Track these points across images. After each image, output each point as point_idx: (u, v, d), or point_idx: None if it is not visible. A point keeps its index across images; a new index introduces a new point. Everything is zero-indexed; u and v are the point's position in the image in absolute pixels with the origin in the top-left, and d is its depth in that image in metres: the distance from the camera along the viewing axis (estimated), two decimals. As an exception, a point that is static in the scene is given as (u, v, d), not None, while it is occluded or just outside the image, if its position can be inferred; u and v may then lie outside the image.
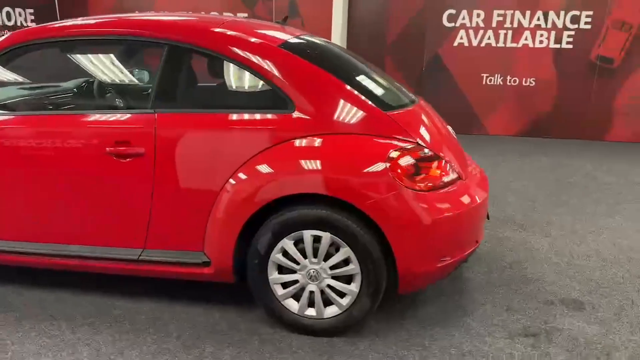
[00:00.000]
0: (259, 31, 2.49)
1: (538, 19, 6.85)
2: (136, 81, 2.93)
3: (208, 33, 2.37)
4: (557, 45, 6.83)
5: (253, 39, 2.38)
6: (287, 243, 2.24)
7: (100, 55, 2.70)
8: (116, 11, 7.95)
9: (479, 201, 2.34)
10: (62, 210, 2.45)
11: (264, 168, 2.20)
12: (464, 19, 7.03)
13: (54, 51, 2.59)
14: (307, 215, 2.17)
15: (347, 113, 2.25)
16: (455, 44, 7.06)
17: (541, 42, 6.86)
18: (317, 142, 2.21)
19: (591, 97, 6.83)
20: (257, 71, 2.28)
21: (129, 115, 2.36)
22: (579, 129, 6.97)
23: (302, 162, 2.19)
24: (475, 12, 6.96)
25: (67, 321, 2.46)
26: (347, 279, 2.28)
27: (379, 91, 2.46)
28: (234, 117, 2.29)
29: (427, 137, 2.33)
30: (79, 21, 2.54)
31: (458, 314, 2.53)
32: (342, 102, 2.27)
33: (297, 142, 2.22)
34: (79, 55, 2.71)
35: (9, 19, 7.23)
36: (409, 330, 2.41)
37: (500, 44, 6.94)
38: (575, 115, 6.94)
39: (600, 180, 4.91)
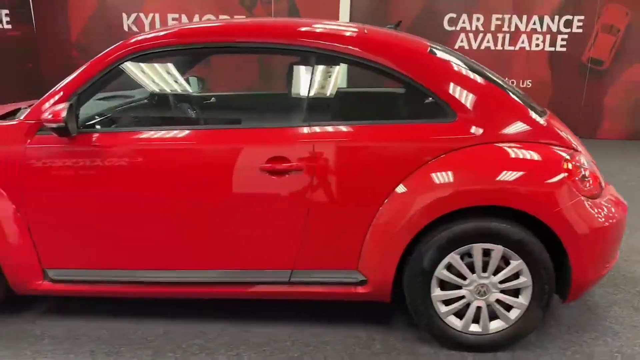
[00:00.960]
0: (401, 38, 2.38)
1: (534, 23, 7.11)
2: (282, 93, 2.72)
3: (363, 40, 2.24)
4: (552, 48, 7.12)
5: (407, 46, 2.27)
6: (455, 257, 2.15)
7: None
8: (101, 11, 7.46)
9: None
10: (202, 234, 2.23)
11: (431, 180, 2.11)
12: (464, 22, 7.18)
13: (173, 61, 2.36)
14: (481, 228, 2.10)
15: (509, 120, 2.21)
16: (456, 46, 7.20)
17: (537, 45, 7.13)
18: (486, 151, 2.14)
19: (583, 96, 7.17)
20: (415, 80, 2.18)
21: (282, 130, 2.18)
22: (571, 127, 7.28)
23: (475, 173, 2.11)
24: (475, 16, 7.12)
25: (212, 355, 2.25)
26: (514, 292, 2.22)
27: (521, 96, 2.43)
28: (394, 128, 2.18)
29: (574, 142, 2.33)
30: (199, 26, 2.32)
31: (598, 319, 2.54)
32: (502, 109, 2.22)
33: (464, 152, 2.14)
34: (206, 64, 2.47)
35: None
36: (565, 339, 2.39)
37: (499, 47, 7.14)
38: (569, 114, 7.27)
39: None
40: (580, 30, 7.09)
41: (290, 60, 2.39)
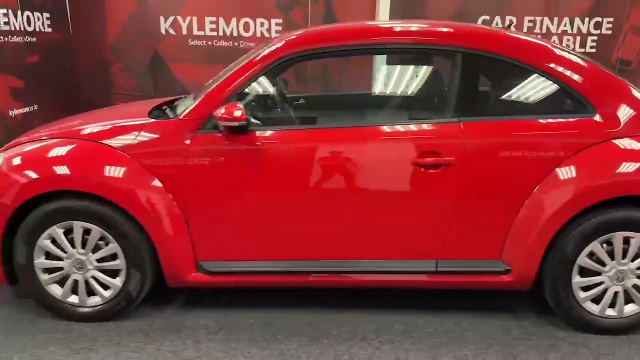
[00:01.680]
0: (528, 37, 2.52)
1: (565, 25, 7.30)
2: (427, 90, 2.84)
3: (504, 39, 2.37)
4: (582, 49, 7.31)
5: (540, 46, 2.40)
6: (597, 246, 2.28)
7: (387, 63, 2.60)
8: (138, 14, 7.51)
9: None
10: (356, 225, 2.34)
11: (578, 173, 2.24)
12: (497, 24, 7.33)
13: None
14: (625, 217, 2.23)
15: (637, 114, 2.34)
16: (490, 48, 7.33)
17: (567, 46, 7.32)
18: (625, 144, 2.27)
19: (612, 96, 7.36)
20: (554, 76, 2.31)
21: (434, 126, 2.31)
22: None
23: (620, 165, 2.24)
24: (507, 18, 7.28)
25: (362, 340, 2.35)
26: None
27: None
28: (538, 122, 2.31)
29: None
30: (363, 27, 2.43)
31: None
32: (633, 103, 2.35)
33: (605, 146, 2.27)
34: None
35: (29, 24, 6.63)
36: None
37: (531, 48, 7.29)
38: (598, 113, 7.46)
39: None
40: (610, 32, 7.29)
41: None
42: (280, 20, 7.56)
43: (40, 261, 2.39)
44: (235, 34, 7.63)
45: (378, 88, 2.93)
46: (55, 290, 2.44)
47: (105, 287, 2.43)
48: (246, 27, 7.60)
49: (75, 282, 2.40)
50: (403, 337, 2.41)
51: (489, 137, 2.31)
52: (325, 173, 2.30)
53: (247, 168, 2.28)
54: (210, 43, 7.66)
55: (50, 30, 7.10)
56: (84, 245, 2.36)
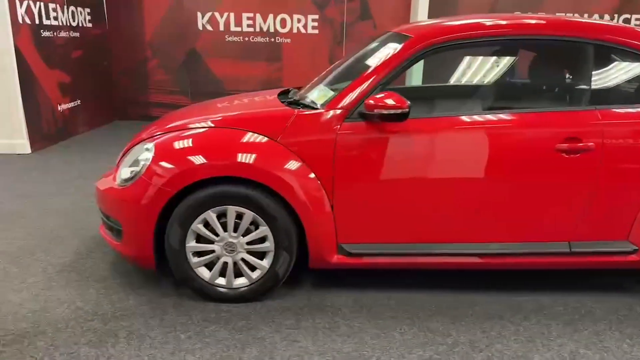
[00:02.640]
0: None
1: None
2: (558, 80, 2.96)
3: (636, 34, 2.51)
4: (611, 45, 7.50)
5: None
6: None
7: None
8: (175, 10, 7.55)
9: None
10: (497, 208, 2.46)
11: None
12: (529, 21, 7.50)
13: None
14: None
15: None
16: (522, 44, 7.51)
17: (597, 42, 7.50)
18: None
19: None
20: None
21: (573, 113, 2.44)
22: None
23: None
24: (539, 14, 7.45)
25: (500, 319, 2.48)
26: None
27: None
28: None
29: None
30: (511, 19, 2.57)
31: None
32: None
33: None
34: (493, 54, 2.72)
35: (74, 20, 6.65)
36: None
37: (561, 45, 7.48)
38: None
39: None
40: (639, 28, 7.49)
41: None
42: (316, 16, 7.67)
43: (192, 245, 2.47)
44: (272, 29, 7.71)
45: (509, 78, 3.07)
46: (204, 273, 2.53)
47: (253, 268, 2.52)
48: (283, 23, 7.69)
49: (224, 264, 2.49)
50: (536, 314, 2.54)
51: (624, 124, 2.44)
52: (472, 159, 2.42)
53: (395, 155, 2.38)
54: (247, 39, 7.73)
55: (90, 25, 7.13)
56: (235, 229, 2.45)
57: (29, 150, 5.50)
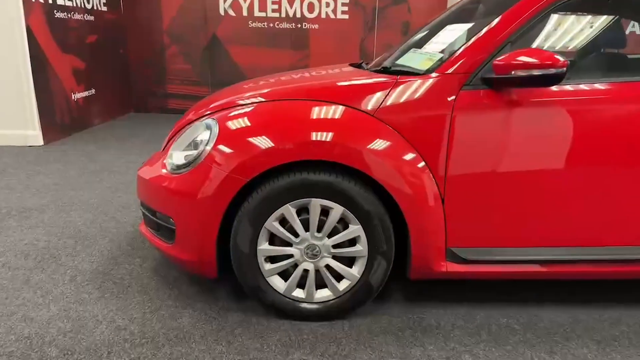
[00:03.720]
0: None
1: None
2: None
3: None
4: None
5: None
6: None
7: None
8: (196, -5, 7.04)
9: None
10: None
11: None
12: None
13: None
14: None
15: None
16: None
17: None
18: None
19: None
20: None
21: None
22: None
23: None
24: None
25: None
26: None
27: None
28: None
29: None
30: None
31: None
32: None
33: None
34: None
35: (88, 1, 6.13)
36: None
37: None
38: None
39: None
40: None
41: None
42: (346, 0, 7.14)
43: (265, 247, 1.95)
44: (298, 15, 7.20)
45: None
46: (278, 283, 2.01)
47: (339, 278, 2.01)
48: (310, 7, 7.18)
49: (304, 273, 1.97)
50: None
51: None
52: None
53: (535, 133, 1.85)
54: (271, 25, 7.22)
55: (105, 9, 6.62)
56: (319, 228, 1.93)
57: (41, 142, 5.00)
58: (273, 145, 1.81)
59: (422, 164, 1.87)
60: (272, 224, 1.90)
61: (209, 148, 1.89)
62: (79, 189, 3.60)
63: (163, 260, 2.47)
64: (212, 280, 2.26)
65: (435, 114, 1.86)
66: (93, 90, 6.19)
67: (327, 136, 1.81)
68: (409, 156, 1.86)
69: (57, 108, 5.32)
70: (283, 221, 1.92)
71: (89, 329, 1.93)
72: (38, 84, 4.92)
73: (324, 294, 2.01)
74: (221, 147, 1.88)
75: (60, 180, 3.80)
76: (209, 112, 2.07)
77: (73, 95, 5.69)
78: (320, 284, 2.01)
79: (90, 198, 3.40)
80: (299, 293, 2.00)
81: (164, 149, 2.20)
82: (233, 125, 1.92)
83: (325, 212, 1.90)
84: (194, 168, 1.91)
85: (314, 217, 1.89)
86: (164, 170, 2.04)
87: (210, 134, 1.93)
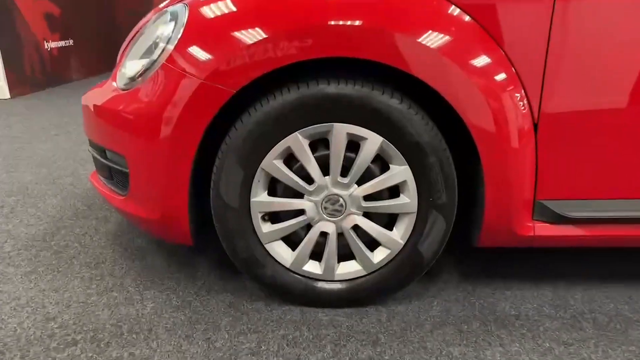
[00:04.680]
0: None
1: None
2: None
3: None
4: None
5: None
6: None
7: None
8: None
9: None
10: None
11: None
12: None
13: None
14: None
15: None
16: None
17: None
18: None
19: None
20: None
21: None
22: None
23: None
24: None
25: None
26: None
27: None
28: None
29: None
30: None
31: None
32: None
33: None
34: None
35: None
36: None
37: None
38: None
39: None
40: None
41: None
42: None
43: (262, 199, 1.28)
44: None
45: None
46: (282, 252, 1.34)
47: (373, 246, 1.34)
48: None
49: (321, 237, 1.31)
50: None
51: None
52: None
53: None
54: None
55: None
56: (345, 172, 1.26)
57: (7, 95, 4.31)
58: (271, 35, 1.13)
59: (510, 70, 1.19)
60: (273, 163, 1.23)
61: (171, 46, 1.21)
62: (38, 142, 2.94)
63: (127, 224, 1.82)
64: (188, 249, 1.61)
65: (530, 13, 1.18)
66: (71, 41, 5.47)
67: (357, 19, 1.13)
68: (492, 61, 1.18)
69: (26, 57, 4.61)
70: (289, 160, 1.26)
71: (0, 318, 1.28)
72: (3, 28, 4.20)
73: (349, 268, 1.36)
74: (190, 41, 1.19)
75: (20, 133, 3.14)
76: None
77: (46, 45, 4.97)
78: (345, 255, 1.35)
79: (49, 152, 2.74)
80: (313, 267, 1.35)
81: (117, 64, 1.52)
82: (210, 10, 1.23)
83: (353, 146, 1.23)
84: (150, 77, 1.24)
85: (338, 152, 1.22)
86: (115, 84, 1.37)
87: (175, 25, 1.24)
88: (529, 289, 1.49)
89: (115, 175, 1.45)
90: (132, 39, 1.54)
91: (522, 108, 1.24)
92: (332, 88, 1.19)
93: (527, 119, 1.24)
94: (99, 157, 1.50)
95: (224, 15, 1.22)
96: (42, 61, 4.89)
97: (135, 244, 1.71)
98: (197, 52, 1.19)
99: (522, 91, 1.23)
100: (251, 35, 1.16)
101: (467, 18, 1.19)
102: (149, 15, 1.57)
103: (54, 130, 3.23)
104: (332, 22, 1.14)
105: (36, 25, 4.79)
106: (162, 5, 1.53)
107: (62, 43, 5.28)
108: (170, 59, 1.22)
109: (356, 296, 1.37)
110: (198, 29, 1.23)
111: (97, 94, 1.45)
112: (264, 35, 1.15)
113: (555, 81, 1.23)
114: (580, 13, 1.18)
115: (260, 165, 1.25)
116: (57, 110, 3.88)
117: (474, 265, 1.61)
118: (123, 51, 1.55)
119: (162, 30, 1.29)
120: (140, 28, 1.50)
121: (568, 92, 1.24)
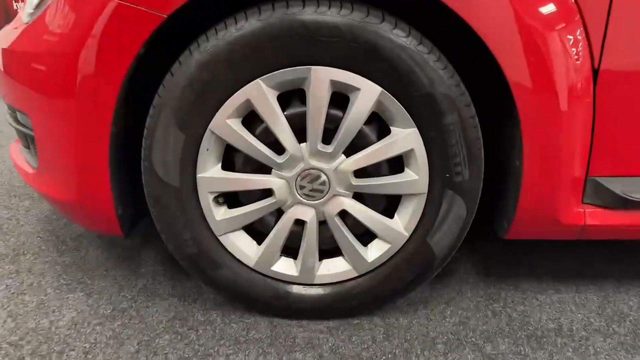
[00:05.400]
0: None
1: None
2: None
3: None
4: None
5: None
6: None
7: None
8: None
9: None
10: None
11: None
12: None
13: None
14: None
15: None
16: None
17: None
18: None
19: None
20: None
21: None
22: None
23: None
24: None
25: None
26: None
27: None
28: None
29: None
30: None
31: None
32: None
33: None
34: None
35: None
36: None
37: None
38: None
39: None
40: None
41: None
42: None
43: (213, 174, 0.91)
44: None
45: None
46: (242, 246, 0.97)
47: (367, 239, 0.98)
48: None
49: (296, 226, 0.95)
50: None
51: None
52: None
53: None
54: None
55: None
56: (328, 136, 0.89)
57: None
58: None
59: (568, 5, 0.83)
60: (226, 123, 0.86)
61: None
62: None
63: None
64: (135, 240, 1.26)
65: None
66: (44, 3, 5.02)
67: None
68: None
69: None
70: (250, 120, 0.89)
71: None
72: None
73: (335, 268, 1.01)
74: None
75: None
76: None
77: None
78: (329, 250, 0.99)
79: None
80: (285, 267, 1.00)
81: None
82: None
83: (340, 100, 0.86)
84: (52, 2, 0.86)
85: (317, 109, 0.86)
86: (19, 24, 1.00)
87: None
88: (568, 293, 1.14)
89: (25, 140, 1.09)
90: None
91: (580, 51, 0.87)
92: (308, 13, 0.82)
93: (585, 67, 0.88)
94: (12, 121, 1.14)
95: None
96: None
97: (71, 231, 1.36)
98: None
99: (582, 27, 0.86)
100: None
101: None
102: None
103: None
104: None
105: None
106: None
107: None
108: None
109: (344, 305, 1.03)
110: None
111: (3, 35, 1.08)
112: None
113: (625, 16, 0.86)
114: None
115: (209, 126, 0.88)
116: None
117: (496, 260, 1.26)
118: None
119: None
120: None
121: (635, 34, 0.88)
